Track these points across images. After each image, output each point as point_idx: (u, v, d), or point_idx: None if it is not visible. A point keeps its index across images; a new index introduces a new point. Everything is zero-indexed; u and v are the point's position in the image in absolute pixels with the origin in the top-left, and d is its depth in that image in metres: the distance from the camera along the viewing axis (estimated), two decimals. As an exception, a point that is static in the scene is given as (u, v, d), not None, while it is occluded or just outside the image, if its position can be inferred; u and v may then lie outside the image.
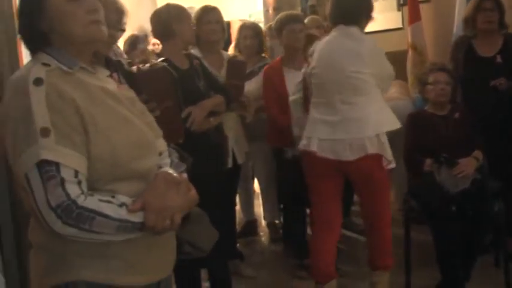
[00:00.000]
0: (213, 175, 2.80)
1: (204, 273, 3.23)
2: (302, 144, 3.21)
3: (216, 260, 2.81)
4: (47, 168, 1.32)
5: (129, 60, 2.70)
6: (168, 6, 3.05)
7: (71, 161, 1.34)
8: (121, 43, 4.24)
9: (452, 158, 3.30)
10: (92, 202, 1.34)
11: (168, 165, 1.63)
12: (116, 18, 2.32)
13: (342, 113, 3.06)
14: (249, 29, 4.27)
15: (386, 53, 3.24)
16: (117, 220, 1.36)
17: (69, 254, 1.42)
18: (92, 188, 1.39)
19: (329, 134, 3.08)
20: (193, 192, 1.55)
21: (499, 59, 3.79)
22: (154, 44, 4.50)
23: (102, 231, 1.36)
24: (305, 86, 3.35)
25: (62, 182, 1.32)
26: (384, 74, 3.14)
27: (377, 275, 3.27)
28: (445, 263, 3.18)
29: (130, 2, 2.78)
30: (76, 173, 1.35)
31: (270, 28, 4.51)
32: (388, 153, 3.06)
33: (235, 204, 4.08)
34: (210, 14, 3.57)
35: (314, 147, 3.10)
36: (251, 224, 4.65)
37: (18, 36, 1.52)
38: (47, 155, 1.31)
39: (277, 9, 4.92)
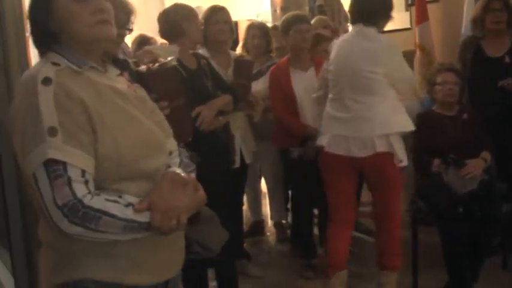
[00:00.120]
0: (220, 174, 2.81)
1: (211, 273, 3.24)
2: (318, 140, 3.30)
3: (223, 260, 2.81)
4: (54, 168, 1.33)
5: (135, 60, 2.71)
6: (176, 5, 3.06)
7: (78, 160, 1.35)
8: (128, 42, 4.25)
9: (460, 159, 3.29)
10: (98, 202, 1.35)
11: (176, 164, 1.63)
12: (125, 18, 2.33)
13: (353, 111, 3.13)
14: (257, 29, 4.28)
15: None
16: (123, 220, 1.37)
17: (76, 252, 1.43)
18: (100, 187, 1.40)
19: (340, 130, 3.17)
20: (201, 192, 1.55)
21: (507, 60, 3.77)
22: (162, 44, 4.51)
23: (108, 231, 1.37)
24: (325, 83, 3.39)
25: (69, 181, 1.33)
26: (398, 75, 3.14)
27: (385, 275, 3.28)
28: (453, 265, 3.17)
29: (137, 1, 2.79)
30: (83, 172, 1.36)
31: (274, 28, 4.51)
32: (399, 152, 3.09)
33: (242, 204, 4.08)
34: (218, 14, 3.57)
35: (326, 143, 3.20)
36: (258, 224, 4.65)
37: (27, 35, 1.53)
38: (54, 155, 1.32)
39: (284, 9, 4.91)
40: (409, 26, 5.13)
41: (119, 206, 1.37)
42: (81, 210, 1.32)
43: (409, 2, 5.15)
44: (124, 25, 2.31)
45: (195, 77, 2.92)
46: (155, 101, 1.75)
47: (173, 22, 2.97)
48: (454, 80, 3.56)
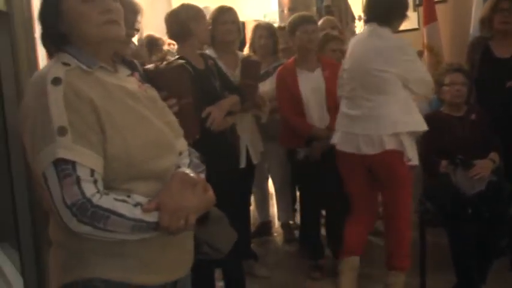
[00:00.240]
0: (227, 174, 2.81)
1: (218, 273, 3.24)
2: (332, 138, 3.36)
3: (231, 260, 2.82)
4: (64, 167, 1.33)
5: (141, 60, 2.73)
6: (184, 6, 3.06)
7: (87, 160, 1.36)
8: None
9: (468, 160, 3.28)
10: (107, 201, 1.35)
11: (186, 165, 1.63)
12: (133, 18, 2.34)
13: (363, 109, 3.17)
14: (264, 29, 4.28)
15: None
16: (132, 219, 1.37)
17: (85, 251, 1.43)
18: (109, 187, 1.40)
19: (351, 128, 3.23)
20: (210, 193, 1.55)
21: (515, 60, 3.76)
22: (169, 44, 4.52)
23: (116, 230, 1.37)
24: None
25: (78, 180, 1.33)
26: (411, 76, 3.13)
27: (393, 276, 3.28)
28: (461, 266, 3.16)
29: (144, 2, 2.80)
30: (92, 171, 1.36)
31: (280, 29, 4.52)
32: (409, 151, 3.10)
33: (249, 204, 4.08)
34: (226, 14, 3.57)
35: (337, 141, 3.27)
36: (265, 225, 4.66)
37: (37, 36, 1.55)
38: (63, 154, 1.33)
39: (292, 9, 4.92)
40: (416, 27, 5.11)
41: (127, 206, 1.37)
42: (89, 209, 1.33)
43: (417, 2, 5.14)
44: (132, 25, 2.32)
45: (203, 77, 2.93)
46: (164, 99, 1.76)
47: (181, 23, 2.97)
48: (462, 81, 3.55)
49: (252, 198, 4.40)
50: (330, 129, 3.65)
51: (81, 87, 1.40)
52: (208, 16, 3.43)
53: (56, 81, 1.38)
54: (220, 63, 3.29)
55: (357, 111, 3.21)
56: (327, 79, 3.74)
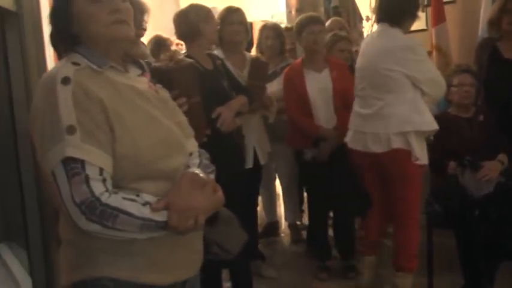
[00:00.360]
0: (234, 175, 2.81)
1: (225, 274, 3.25)
2: (346, 136, 3.42)
3: (238, 261, 2.82)
4: (72, 166, 1.34)
5: (147, 60, 2.73)
6: (194, 6, 3.06)
7: (96, 158, 1.36)
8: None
9: (476, 161, 3.27)
10: (115, 200, 1.36)
11: (196, 165, 1.63)
12: (140, 18, 2.35)
13: (373, 108, 3.22)
14: (271, 30, 4.28)
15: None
16: (140, 218, 1.37)
17: (94, 250, 1.44)
18: (118, 186, 1.40)
19: (361, 126, 3.29)
20: (219, 193, 1.55)
21: (524, 61, 3.75)
22: (177, 44, 4.52)
23: (125, 229, 1.37)
24: None
25: (87, 179, 1.34)
26: (421, 76, 3.14)
27: (400, 277, 3.28)
28: (468, 268, 3.16)
29: (153, 2, 2.80)
30: (101, 170, 1.37)
31: (287, 29, 4.52)
32: (417, 151, 3.12)
33: (257, 205, 4.08)
34: (233, 14, 3.58)
35: (348, 139, 3.34)
36: (273, 225, 4.66)
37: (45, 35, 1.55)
38: (72, 153, 1.33)
39: (299, 10, 4.93)
40: (425, 27, 5.09)
41: (136, 205, 1.38)
42: (98, 208, 1.33)
43: (425, 2, 5.11)
44: (139, 25, 2.32)
45: (212, 77, 2.94)
46: (174, 98, 1.76)
47: (190, 23, 2.97)
48: (471, 82, 3.54)
49: (259, 199, 4.39)
50: (337, 129, 3.66)
51: (90, 86, 1.41)
52: (215, 16, 3.43)
53: (65, 80, 1.38)
54: (228, 64, 3.29)
55: (367, 110, 3.26)
56: (335, 79, 3.74)
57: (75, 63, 1.45)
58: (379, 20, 3.33)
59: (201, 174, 1.53)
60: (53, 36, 1.55)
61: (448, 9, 4.82)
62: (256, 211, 3.99)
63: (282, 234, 4.75)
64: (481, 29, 4.34)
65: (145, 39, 3.63)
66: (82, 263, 1.47)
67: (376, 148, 3.20)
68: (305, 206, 4.57)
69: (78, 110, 1.36)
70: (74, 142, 1.34)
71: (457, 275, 3.22)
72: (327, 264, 3.84)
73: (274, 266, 3.95)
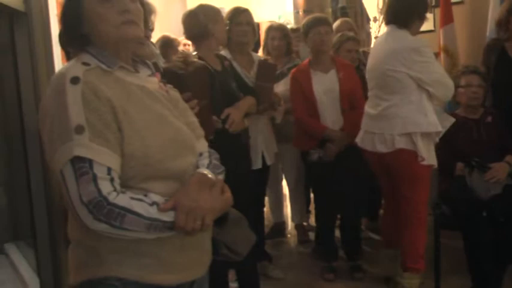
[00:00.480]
0: (241, 175, 2.81)
1: (231, 274, 3.25)
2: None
3: (245, 261, 2.82)
4: (80, 165, 1.34)
5: (154, 61, 2.73)
6: (203, 7, 3.06)
7: (104, 158, 1.36)
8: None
9: (484, 163, 3.26)
10: (123, 199, 1.36)
11: (205, 165, 1.63)
12: (147, 18, 2.35)
13: (379, 108, 3.27)
14: (277, 31, 4.28)
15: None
16: (148, 218, 1.37)
17: (101, 249, 1.44)
18: (126, 186, 1.40)
19: (369, 126, 3.35)
20: (227, 194, 1.55)
21: (532, 62, 3.73)
22: (185, 44, 4.53)
23: (132, 229, 1.37)
24: None
25: (95, 178, 1.34)
26: (426, 78, 3.15)
27: (406, 278, 3.27)
28: (476, 270, 3.14)
29: (160, 3, 2.81)
30: (109, 170, 1.37)
31: (293, 31, 4.51)
32: (422, 151, 3.14)
33: (263, 206, 4.08)
34: (241, 15, 3.57)
35: (359, 139, 3.39)
36: (279, 226, 4.66)
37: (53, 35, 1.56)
38: (80, 152, 1.34)
39: (307, 11, 4.92)
40: (432, 28, 5.08)
41: (143, 205, 1.38)
42: (106, 207, 1.33)
43: (433, 3, 5.10)
44: (147, 25, 2.33)
45: (221, 78, 2.94)
46: (187, 100, 1.76)
47: (199, 23, 2.97)
48: (478, 83, 3.53)
49: (266, 200, 4.39)
50: (344, 131, 3.66)
51: (99, 86, 1.41)
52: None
53: (75, 80, 1.39)
54: (235, 64, 3.29)
55: (375, 110, 3.30)
56: (341, 80, 3.73)
57: (85, 63, 1.46)
58: (387, 22, 3.36)
59: (210, 175, 1.53)
60: (62, 36, 1.56)
61: (456, 10, 4.80)
62: (263, 212, 3.99)
63: (289, 235, 4.75)
64: (489, 30, 4.33)
65: (152, 39, 3.64)
66: (90, 263, 1.47)
67: (382, 148, 3.24)
68: (312, 207, 4.57)
69: (87, 109, 1.36)
70: (83, 142, 1.34)
71: (464, 277, 3.21)
72: (333, 265, 3.83)
73: (280, 267, 3.94)
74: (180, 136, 1.55)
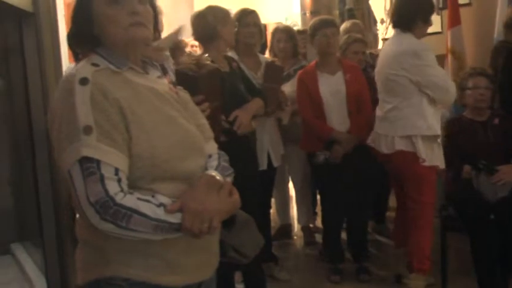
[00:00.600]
0: (250, 178, 2.81)
1: (237, 275, 3.24)
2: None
3: (251, 263, 2.81)
4: (88, 165, 1.34)
5: (161, 63, 2.73)
6: (212, 8, 3.06)
7: (112, 158, 1.36)
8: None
9: (491, 165, 3.25)
10: (130, 200, 1.36)
11: (213, 167, 1.62)
12: (158, 20, 2.35)
13: (383, 111, 3.36)
14: (283, 33, 4.29)
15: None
16: (154, 220, 1.37)
17: (108, 249, 1.44)
18: (134, 187, 1.40)
19: (377, 127, 3.43)
20: (235, 196, 1.54)
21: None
22: (192, 46, 4.54)
23: (139, 230, 1.37)
24: None
25: (102, 178, 1.34)
26: (426, 81, 3.19)
27: (412, 278, 3.29)
28: (483, 272, 3.13)
29: (167, 4, 2.81)
30: (116, 170, 1.37)
31: (300, 32, 4.51)
32: (422, 152, 3.20)
33: (270, 207, 4.08)
34: (248, 17, 3.58)
35: (369, 140, 3.47)
36: (285, 228, 4.65)
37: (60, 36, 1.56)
38: (87, 152, 1.34)
39: (314, 12, 4.92)
40: (440, 30, 5.07)
41: (150, 206, 1.38)
42: (112, 207, 1.33)
43: (441, 5, 5.08)
44: (157, 27, 2.33)
45: (229, 80, 2.93)
46: (199, 103, 1.75)
47: (208, 25, 2.98)
48: (486, 85, 3.51)
49: (272, 201, 4.39)
50: (351, 133, 3.65)
51: (108, 87, 1.41)
52: (230, 18, 3.44)
53: (84, 81, 1.39)
54: (243, 66, 3.30)
55: (381, 112, 3.39)
56: (348, 82, 3.73)
57: (94, 64, 1.46)
58: (393, 26, 3.40)
59: (218, 177, 1.53)
60: (71, 37, 1.56)
61: (463, 11, 4.79)
62: (269, 213, 3.99)
63: (295, 237, 4.74)
64: (497, 32, 4.32)
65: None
66: (96, 262, 1.47)
67: (385, 149, 3.33)
68: (318, 209, 4.56)
69: (96, 110, 1.37)
70: (90, 142, 1.35)
71: (471, 280, 3.19)
72: (339, 267, 3.82)
73: (286, 269, 3.94)
74: (188, 138, 1.55)
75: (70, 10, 1.57)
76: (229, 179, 1.63)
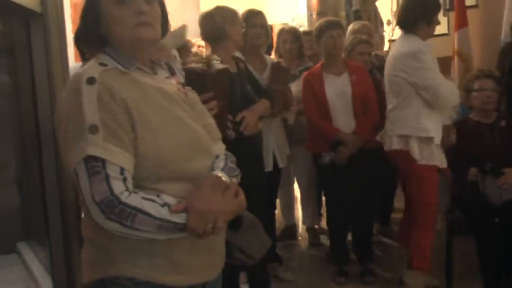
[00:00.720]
0: (256, 179, 2.81)
1: (242, 276, 3.25)
2: None
3: (256, 263, 2.81)
4: (93, 164, 1.35)
5: (166, 62, 2.73)
6: (220, 8, 3.06)
7: (117, 158, 1.37)
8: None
9: (497, 168, 3.25)
10: (134, 199, 1.36)
11: (220, 168, 1.62)
12: (167, 20, 2.36)
13: (387, 110, 3.44)
14: (288, 34, 4.29)
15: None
16: (158, 219, 1.38)
17: (114, 248, 1.45)
18: (140, 187, 1.41)
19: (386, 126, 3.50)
20: (241, 197, 1.54)
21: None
22: (199, 46, 4.54)
23: (143, 229, 1.38)
24: None
25: (107, 177, 1.35)
26: (421, 83, 3.22)
27: (411, 276, 3.31)
28: (488, 275, 3.12)
29: (174, 4, 2.81)
30: (122, 169, 1.37)
31: (305, 34, 4.51)
32: (415, 152, 3.25)
33: (275, 208, 4.08)
34: (255, 18, 3.59)
35: (379, 136, 3.59)
36: (290, 228, 4.65)
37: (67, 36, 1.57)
38: (93, 151, 1.35)
39: (320, 13, 4.92)
40: (446, 32, 5.06)
41: (155, 205, 1.38)
42: (117, 206, 1.34)
43: (448, 7, 5.07)
44: (166, 27, 2.34)
45: (237, 80, 2.94)
46: (206, 102, 1.75)
47: (217, 25, 2.98)
48: (492, 87, 3.50)
49: (278, 202, 4.39)
50: (356, 134, 3.65)
51: (115, 87, 1.42)
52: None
53: (91, 80, 1.40)
54: (250, 67, 3.30)
55: (387, 111, 3.46)
56: (354, 83, 3.73)
57: (102, 64, 1.47)
58: (399, 28, 3.43)
59: (224, 178, 1.53)
60: (79, 37, 1.57)
61: (470, 13, 4.78)
62: (274, 214, 3.99)
63: (300, 238, 4.74)
64: (504, 34, 4.31)
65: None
66: (102, 262, 1.48)
67: (386, 147, 3.43)
68: (323, 210, 4.56)
69: (102, 110, 1.37)
70: (96, 141, 1.35)
71: (477, 282, 3.19)
72: (344, 268, 3.82)
73: (291, 269, 3.94)
74: (195, 138, 1.55)
75: (76, 10, 1.58)
76: (235, 180, 1.63)
